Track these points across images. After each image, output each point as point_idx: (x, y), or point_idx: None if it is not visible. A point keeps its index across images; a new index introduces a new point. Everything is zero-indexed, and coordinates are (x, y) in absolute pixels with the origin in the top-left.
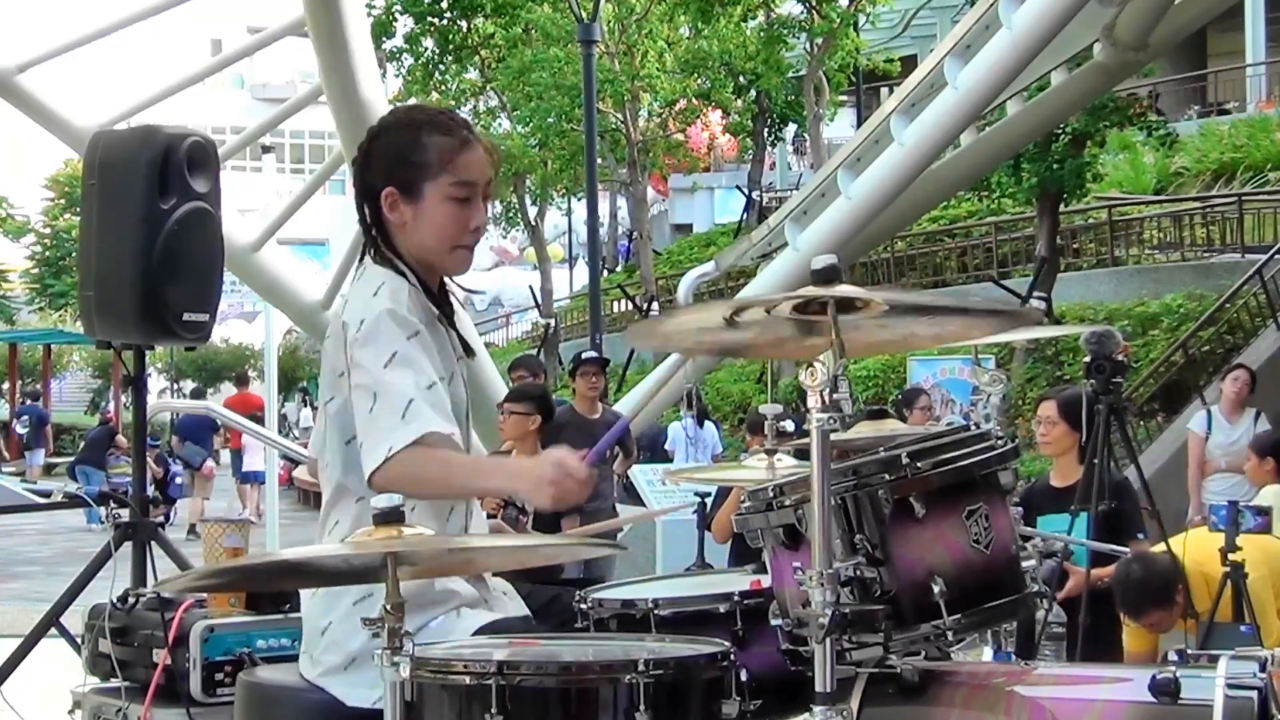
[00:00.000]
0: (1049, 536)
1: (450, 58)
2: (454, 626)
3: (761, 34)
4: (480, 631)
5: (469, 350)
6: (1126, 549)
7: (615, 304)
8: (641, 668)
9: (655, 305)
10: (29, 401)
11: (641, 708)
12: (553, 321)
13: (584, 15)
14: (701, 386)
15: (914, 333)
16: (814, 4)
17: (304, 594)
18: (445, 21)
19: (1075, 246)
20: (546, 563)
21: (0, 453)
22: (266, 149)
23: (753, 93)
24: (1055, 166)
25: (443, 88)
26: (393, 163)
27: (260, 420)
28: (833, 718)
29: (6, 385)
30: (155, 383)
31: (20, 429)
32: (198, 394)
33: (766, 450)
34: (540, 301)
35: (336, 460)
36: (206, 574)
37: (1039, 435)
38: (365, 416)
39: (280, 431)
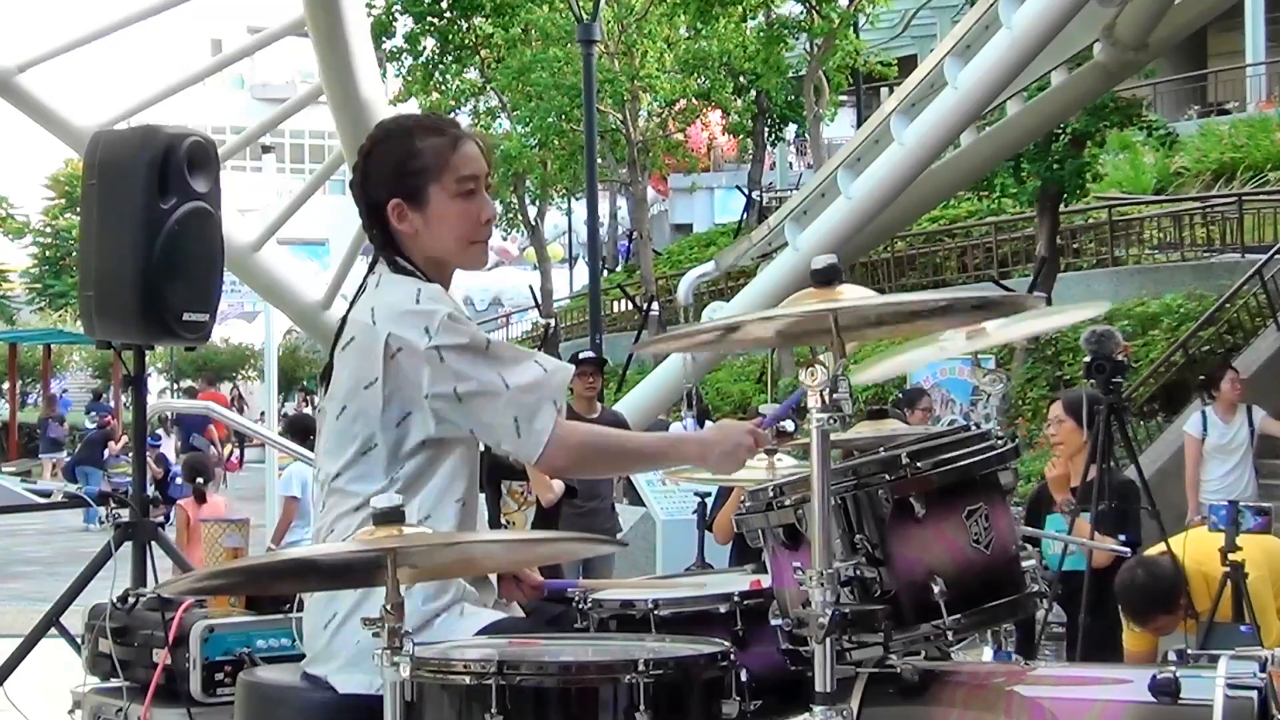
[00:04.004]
0: (1049, 536)
1: (450, 58)
2: (456, 626)
3: (761, 34)
4: (483, 632)
5: None
6: (1127, 549)
7: (615, 304)
8: (641, 668)
9: (655, 305)
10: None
11: (641, 708)
12: (553, 321)
13: (584, 15)
14: (701, 386)
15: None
16: (814, 4)
17: (305, 601)
18: (445, 21)
19: (1075, 246)
20: (545, 562)
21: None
22: (266, 149)
23: (753, 93)
24: (1055, 166)
25: (443, 88)
26: (392, 173)
27: None
28: (833, 718)
29: (6, 385)
30: (155, 383)
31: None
32: (190, 393)
33: (766, 450)
34: (540, 301)
35: (346, 469)
36: (208, 575)
37: (1050, 436)
38: (497, 412)
39: (281, 431)
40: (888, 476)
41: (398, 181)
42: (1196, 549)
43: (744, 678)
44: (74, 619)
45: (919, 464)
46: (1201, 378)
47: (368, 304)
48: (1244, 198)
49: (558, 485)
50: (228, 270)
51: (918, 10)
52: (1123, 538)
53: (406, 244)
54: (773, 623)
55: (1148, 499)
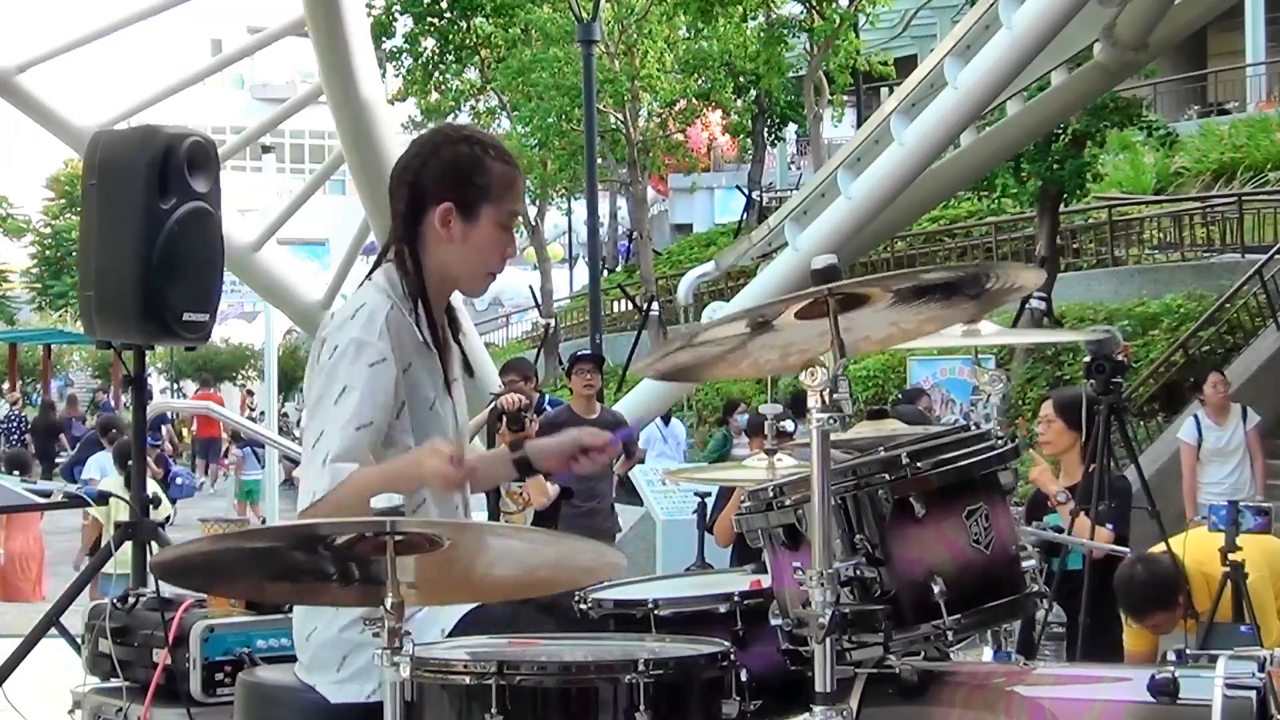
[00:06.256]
0: (1049, 536)
1: (450, 58)
2: (439, 614)
3: (762, 34)
4: (465, 618)
5: (469, 369)
6: (1127, 549)
7: (615, 304)
8: (641, 668)
9: (655, 305)
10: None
11: (641, 708)
12: (552, 321)
13: (584, 15)
14: (702, 387)
15: (867, 336)
16: (814, 4)
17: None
18: (445, 21)
19: (1075, 246)
20: (548, 588)
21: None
22: (266, 149)
23: (753, 93)
24: (1055, 166)
25: (443, 88)
26: (456, 178)
27: None
28: (833, 718)
29: (6, 385)
30: (155, 382)
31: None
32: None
33: (766, 450)
34: (540, 301)
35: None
36: (200, 541)
37: (1040, 434)
38: (308, 451)
39: (280, 431)
40: (888, 476)
41: (458, 186)
42: (1196, 549)
43: (744, 678)
44: (74, 619)
45: (919, 464)
46: (1191, 380)
47: (334, 310)
48: (1244, 198)
49: (551, 490)
50: (228, 270)
51: (918, 10)
52: (1110, 527)
53: (431, 246)
54: (773, 623)
55: (1148, 499)
